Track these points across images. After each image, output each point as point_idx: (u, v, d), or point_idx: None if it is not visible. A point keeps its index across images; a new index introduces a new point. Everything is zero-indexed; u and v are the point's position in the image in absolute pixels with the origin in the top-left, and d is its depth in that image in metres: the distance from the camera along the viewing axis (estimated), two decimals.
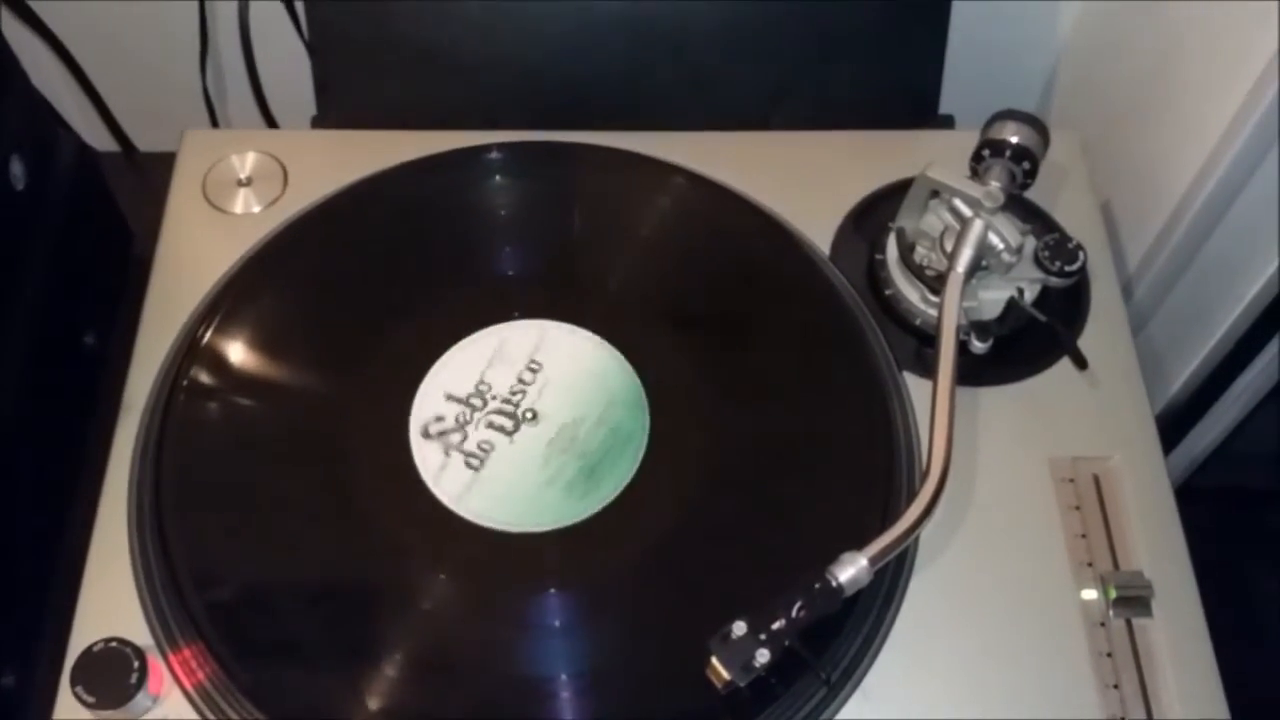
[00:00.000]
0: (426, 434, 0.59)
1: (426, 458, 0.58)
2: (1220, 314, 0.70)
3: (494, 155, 0.68)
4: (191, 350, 0.60)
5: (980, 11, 0.78)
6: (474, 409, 0.60)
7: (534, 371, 0.61)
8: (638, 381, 0.61)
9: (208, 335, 0.61)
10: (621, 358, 0.62)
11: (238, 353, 0.61)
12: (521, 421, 0.60)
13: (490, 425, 0.60)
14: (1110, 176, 0.75)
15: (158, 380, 0.61)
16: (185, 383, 0.59)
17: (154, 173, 0.75)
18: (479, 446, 0.59)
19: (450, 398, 0.60)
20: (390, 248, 0.66)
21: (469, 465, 0.58)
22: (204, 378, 0.60)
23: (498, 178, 0.69)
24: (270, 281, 0.64)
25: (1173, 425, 0.78)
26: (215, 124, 0.89)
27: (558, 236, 0.67)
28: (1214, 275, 0.70)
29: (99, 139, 0.88)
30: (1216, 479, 0.80)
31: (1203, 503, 0.77)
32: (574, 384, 0.61)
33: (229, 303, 0.62)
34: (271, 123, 0.88)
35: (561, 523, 0.57)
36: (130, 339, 0.64)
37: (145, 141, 0.90)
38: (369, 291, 0.64)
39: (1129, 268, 0.74)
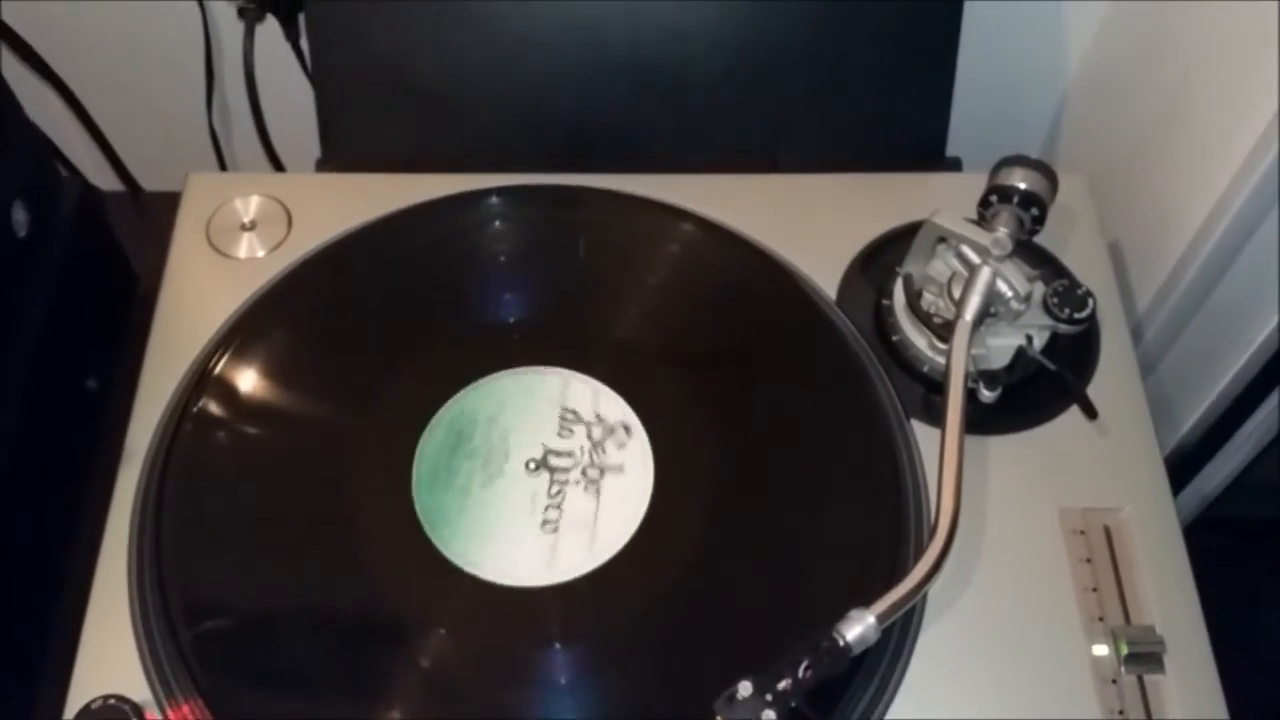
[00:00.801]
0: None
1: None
2: (1230, 357, 0.70)
3: (496, 200, 0.68)
4: (192, 401, 0.60)
5: (985, 51, 0.77)
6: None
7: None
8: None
9: (209, 386, 0.61)
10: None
11: (239, 403, 0.61)
12: (525, 469, 0.59)
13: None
14: (1117, 216, 0.74)
15: (159, 429, 0.61)
16: (186, 434, 0.59)
17: (159, 213, 0.75)
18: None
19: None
20: (393, 294, 0.65)
21: None
22: (205, 429, 0.59)
23: (500, 223, 0.68)
24: (272, 330, 0.64)
25: (1182, 465, 0.77)
26: (222, 163, 0.89)
27: (561, 282, 0.67)
28: (1223, 319, 0.69)
29: (104, 178, 0.88)
30: (1226, 511, 0.80)
31: (1212, 533, 0.78)
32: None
33: (230, 352, 0.62)
34: (277, 163, 0.87)
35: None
36: (133, 382, 0.64)
37: (151, 181, 0.89)
38: (371, 338, 0.64)
39: (1138, 309, 0.73)
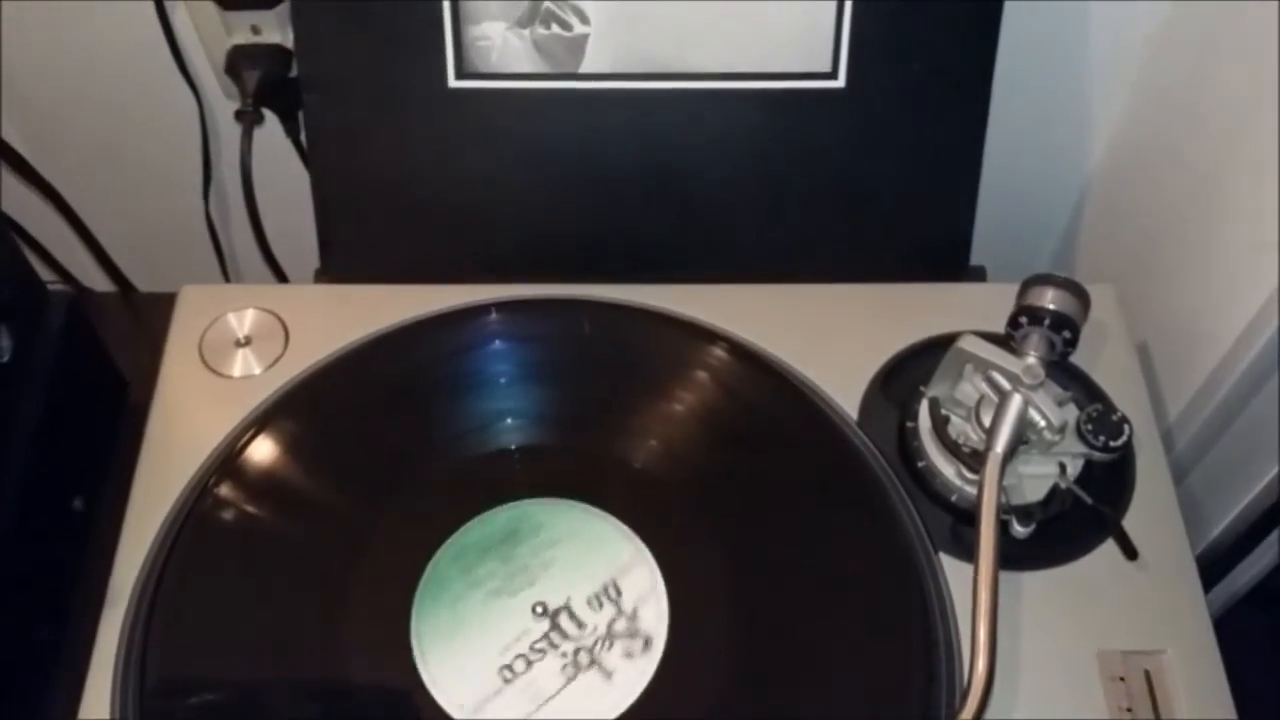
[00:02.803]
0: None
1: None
2: (1264, 465, 0.67)
3: (497, 315, 0.66)
4: (179, 545, 0.57)
5: (1004, 144, 0.75)
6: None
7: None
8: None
9: (195, 528, 0.58)
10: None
11: (226, 548, 0.58)
12: (532, 610, 0.56)
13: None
14: (1144, 314, 0.71)
15: (144, 570, 0.58)
16: (172, 582, 0.56)
17: (153, 314, 0.72)
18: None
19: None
20: (393, 417, 0.63)
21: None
22: (191, 576, 0.56)
23: (502, 341, 0.66)
24: (265, 463, 0.61)
25: (1213, 565, 0.74)
26: (221, 261, 0.87)
27: (569, 404, 0.64)
28: (1258, 428, 0.66)
29: (96, 278, 0.86)
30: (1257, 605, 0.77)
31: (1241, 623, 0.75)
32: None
33: (219, 491, 0.59)
34: (275, 266, 0.85)
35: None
36: (122, 501, 0.61)
37: (147, 281, 0.87)
38: (369, 469, 0.61)
39: (1168, 416, 0.70)
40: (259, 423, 0.62)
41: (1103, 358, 0.66)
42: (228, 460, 0.60)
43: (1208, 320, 0.68)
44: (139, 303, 0.84)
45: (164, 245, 0.89)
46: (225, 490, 0.59)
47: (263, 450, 0.61)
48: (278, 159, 0.82)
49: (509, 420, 0.63)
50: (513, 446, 0.62)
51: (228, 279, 0.88)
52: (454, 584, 0.57)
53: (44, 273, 0.84)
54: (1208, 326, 0.67)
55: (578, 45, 0.63)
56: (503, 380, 0.65)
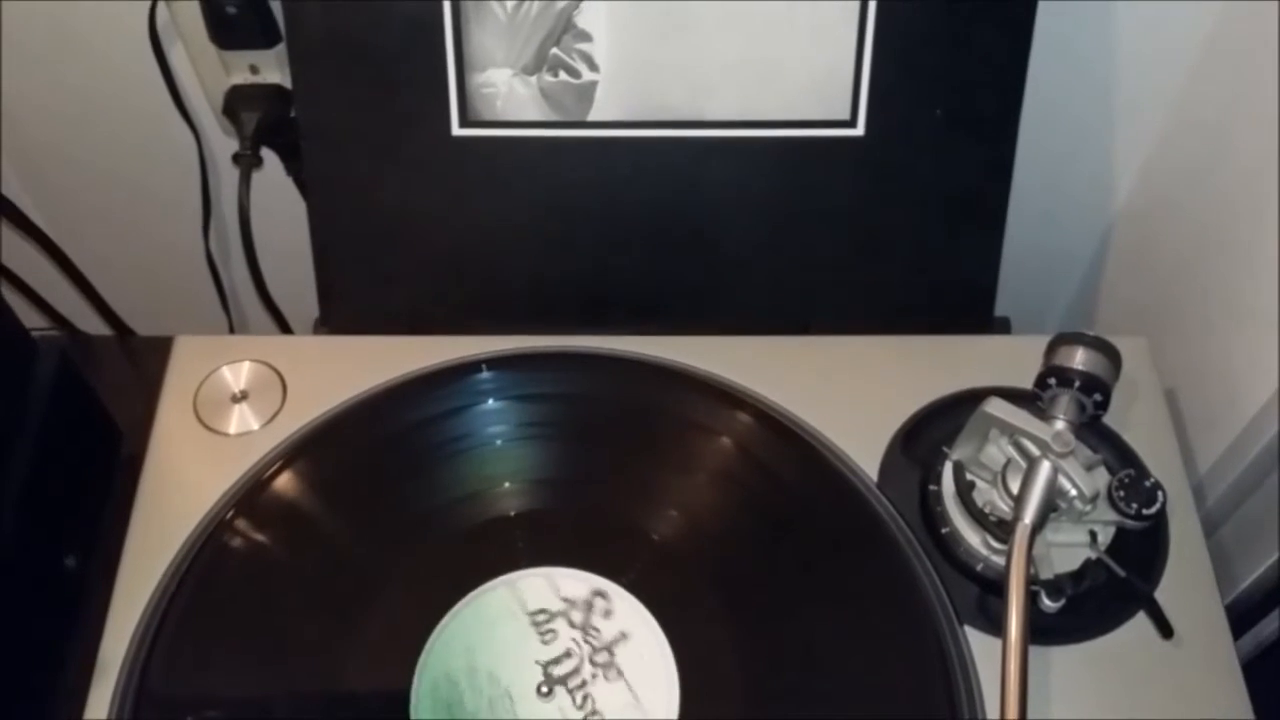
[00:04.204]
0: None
1: None
2: None
3: (505, 371, 0.64)
4: (169, 617, 0.55)
5: (1024, 191, 0.72)
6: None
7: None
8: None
9: (187, 596, 0.55)
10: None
11: (219, 617, 0.56)
12: (538, 696, 0.54)
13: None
14: (1172, 363, 0.69)
15: (135, 640, 0.55)
16: (163, 656, 0.53)
17: (150, 359, 0.70)
18: None
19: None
20: (393, 481, 0.60)
21: None
22: (183, 646, 0.54)
23: (507, 399, 0.63)
24: (259, 530, 0.58)
25: (1241, 616, 0.72)
26: (223, 298, 0.84)
27: (573, 466, 0.61)
28: None
29: (92, 322, 0.84)
30: None
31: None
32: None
33: (213, 554, 0.57)
34: (275, 311, 0.83)
35: None
36: (116, 560, 0.58)
37: (148, 324, 0.85)
38: (368, 537, 0.59)
39: (1199, 469, 0.68)
40: (253, 489, 0.60)
41: (1133, 414, 0.63)
42: (221, 526, 0.58)
43: (1242, 369, 0.65)
44: (136, 347, 0.82)
45: (164, 287, 0.87)
46: (218, 557, 0.57)
47: (256, 516, 0.59)
48: (280, 193, 0.80)
49: (509, 484, 0.60)
50: (513, 513, 0.60)
51: (229, 319, 0.86)
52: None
53: (38, 319, 0.82)
54: (1242, 376, 0.65)
55: (586, 93, 0.61)
56: (506, 441, 0.62)
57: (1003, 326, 0.69)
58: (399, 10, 0.61)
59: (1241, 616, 0.72)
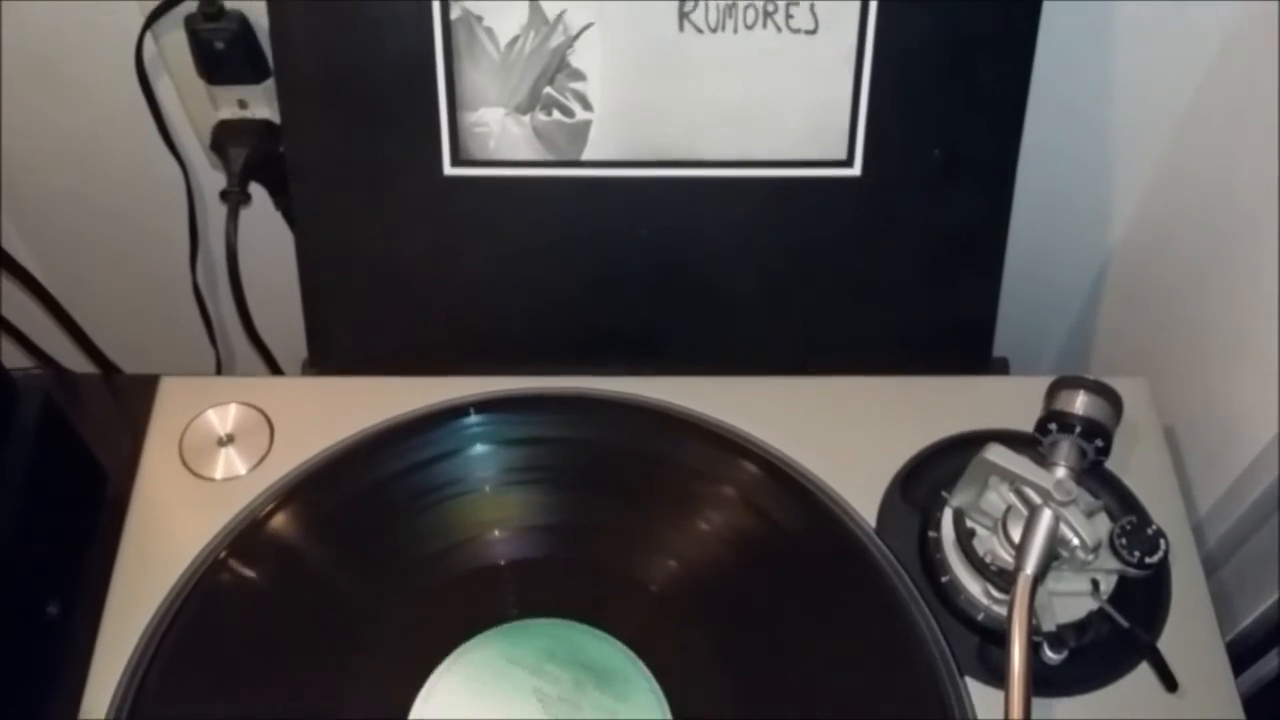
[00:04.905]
0: None
1: None
2: None
3: (482, 416, 0.62)
4: (153, 664, 0.54)
5: (1019, 229, 0.71)
6: None
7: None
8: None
9: (171, 645, 0.54)
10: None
11: (203, 669, 0.55)
12: None
13: None
14: (1171, 402, 0.68)
15: (119, 688, 0.54)
16: (146, 706, 0.52)
17: (137, 397, 0.68)
18: None
19: None
20: (383, 527, 0.59)
21: None
22: (168, 697, 0.53)
23: (492, 443, 0.62)
24: (243, 579, 0.57)
25: (1242, 654, 0.71)
26: (211, 332, 0.83)
27: (568, 512, 0.60)
28: None
29: (78, 360, 0.82)
30: None
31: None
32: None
33: (198, 604, 0.56)
34: (264, 349, 0.81)
35: None
36: (99, 607, 0.57)
37: (135, 361, 0.84)
38: (357, 584, 0.58)
39: (1199, 510, 0.67)
40: (239, 537, 0.58)
41: (1134, 457, 0.63)
42: (207, 575, 0.57)
43: (1242, 408, 0.64)
44: (122, 385, 0.80)
45: (152, 322, 0.86)
46: (203, 607, 0.56)
47: (242, 565, 0.58)
48: (269, 227, 0.79)
49: (501, 530, 0.59)
50: (504, 561, 0.58)
51: (217, 354, 0.85)
52: None
53: (22, 358, 0.80)
54: (1242, 415, 0.64)
55: (580, 132, 0.60)
56: (498, 486, 0.61)
57: (1001, 367, 0.68)
58: (390, 48, 0.60)
59: (1242, 654, 0.71)
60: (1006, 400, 0.63)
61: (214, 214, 0.80)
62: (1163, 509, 0.60)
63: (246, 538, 0.58)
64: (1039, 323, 0.85)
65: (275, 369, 0.85)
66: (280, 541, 0.59)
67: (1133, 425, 0.63)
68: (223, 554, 0.58)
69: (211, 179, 0.78)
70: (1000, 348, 0.69)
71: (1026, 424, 0.59)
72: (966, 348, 0.66)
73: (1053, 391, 0.58)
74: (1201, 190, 0.70)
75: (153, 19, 0.67)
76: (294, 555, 0.59)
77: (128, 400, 0.79)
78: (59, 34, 0.70)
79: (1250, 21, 0.63)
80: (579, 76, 0.59)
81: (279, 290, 0.79)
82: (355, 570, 0.58)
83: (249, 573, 0.58)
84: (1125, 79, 0.70)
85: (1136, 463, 0.62)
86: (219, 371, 0.87)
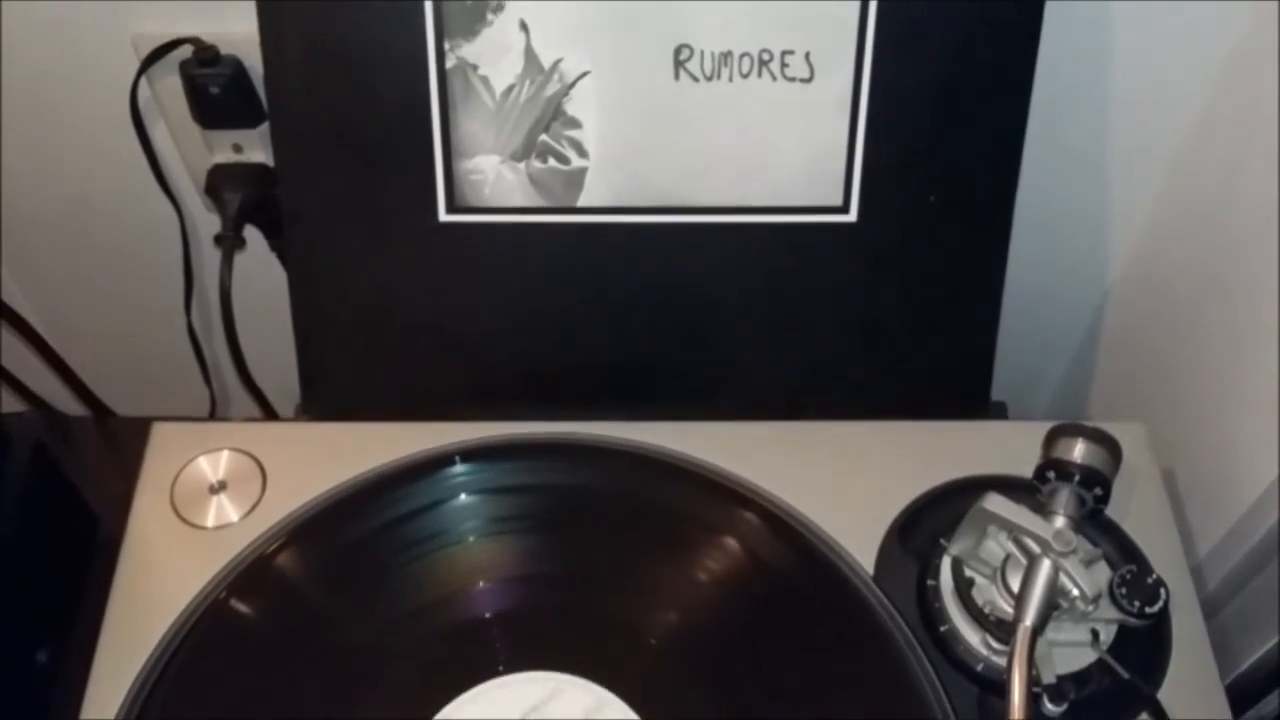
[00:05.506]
0: None
1: None
2: None
3: (475, 465, 0.62)
4: (144, 716, 0.53)
5: (1016, 270, 0.71)
6: None
7: None
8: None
9: (161, 696, 0.54)
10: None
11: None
12: None
13: None
14: (1169, 445, 0.68)
15: None
16: None
17: (130, 440, 0.68)
18: None
19: None
20: (377, 578, 0.59)
21: None
22: None
23: (486, 491, 0.62)
24: (236, 627, 0.57)
25: (1243, 696, 0.70)
26: (205, 373, 0.83)
27: (562, 561, 0.60)
28: None
29: (72, 403, 0.82)
30: None
31: None
32: None
33: (189, 654, 0.55)
34: (258, 393, 0.81)
35: None
36: (89, 654, 0.56)
37: (129, 403, 0.83)
38: (349, 635, 0.57)
39: (1198, 553, 0.67)
40: (230, 587, 0.58)
41: (1133, 502, 0.62)
42: (197, 625, 0.56)
43: (1243, 451, 0.64)
44: (115, 428, 0.80)
45: (146, 362, 0.86)
46: (194, 657, 0.55)
47: (232, 616, 0.57)
48: (265, 268, 0.78)
49: (493, 582, 0.59)
50: (494, 612, 0.58)
51: (212, 395, 0.85)
52: None
53: (15, 401, 0.80)
54: (1243, 457, 0.64)
55: (576, 179, 0.60)
56: (494, 534, 0.61)
57: (999, 411, 0.68)
58: (386, 95, 0.59)
59: (1242, 696, 0.70)
60: (1005, 445, 0.63)
61: (209, 256, 0.80)
62: (1162, 556, 0.60)
63: (237, 587, 0.58)
64: (1036, 365, 0.85)
65: (269, 410, 0.84)
66: (272, 591, 0.58)
67: (1131, 471, 0.63)
68: (213, 604, 0.57)
69: (207, 221, 0.78)
70: (997, 390, 0.69)
71: (1025, 468, 0.59)
72: (964, 392, 0.66)
73: (1051, 439, 0.58)
74: (1198, 230, 0.70)
75: (148, 63, 0.67)
76: (287, 605, 0.58)
77: (121, 442, 0.78)
78: (54, 77, 0.70)
79: (1246, 65, 0.63)
80: (575, 124, 0.59)
81: (275, 329, 0.79)
82: (349, 620, 0.57)
83: (239, 622, 0.57)
84: (1120, 121, 0.70)
85: (1135, 508, 0.62)
86: (213, 412, 0.87)
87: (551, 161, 0.60)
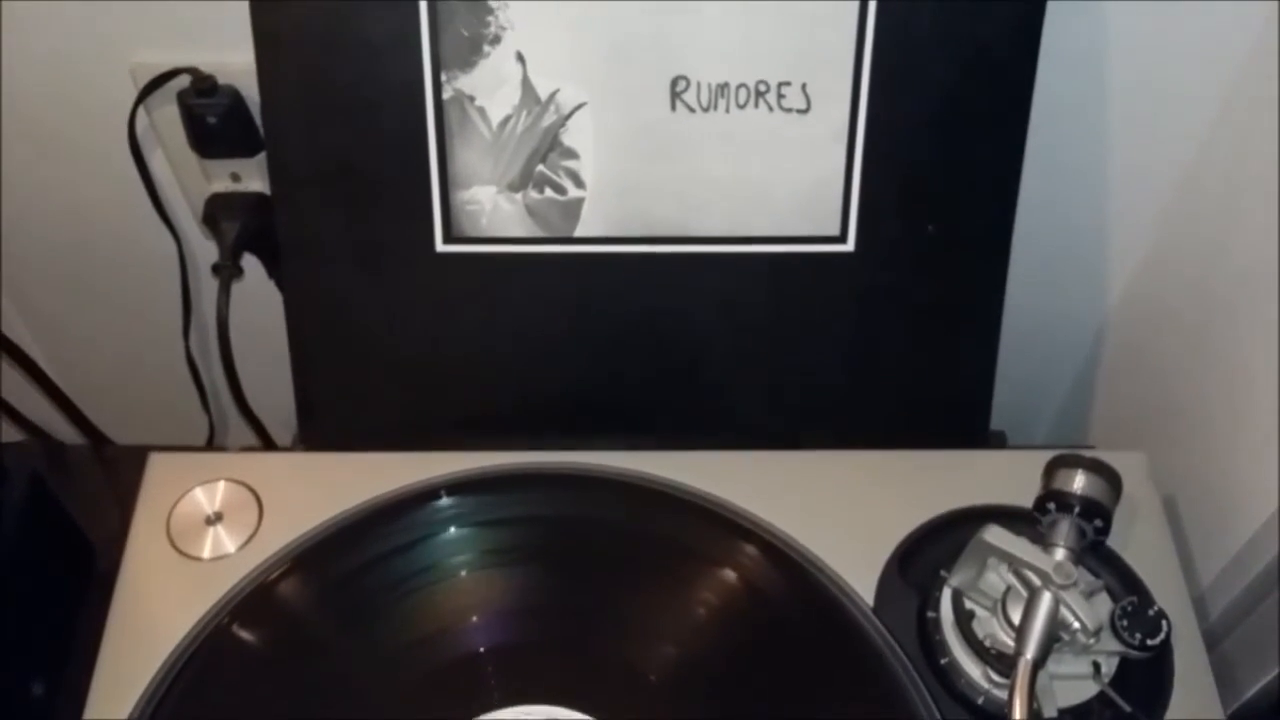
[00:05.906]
0: None
1: None
2: None
3: (472, 497, 0.62)
4: None
5: (1013, 295, 0.71)
6: None
7: None
8: None
9: None
10: None
11: None
12: None
13: None
14: (1170, 472, 0.67)
15: None
16: None
17: (127, 468, 0.68)
18: None
19: None
20: (376, 611, 0.58)
21: None
22: None
23: (482, 524, 0.61)
24: (231, 660, 0.56)
25: None
26: (205, 401, 0.83)
27: (559, 594, 0.59)
28: None
29: (70, 431, 0.82)
30: None
31: None
32: None
33: (184, 687, 0.55)
34: (256, 423, 0.81)
35: None
36: (84, 688, 0.56)
37: (127, 431, 0.83)
38: (349, 667, 0.57)
39: (1200, 583, 0.66)
40: (226, 620, 0.58)
41: (1134, 533, 0.62)
42: (192, 658, 0.56)
43: (1245, 480, 0.63)
44: (112, 456, 0.80)
45: (145, 390, 0.86)
46: (189, 691, 0.55)
47: (227, 649, 0.57)
48: (264, 297, 0.78)
49: (489, 615, 0.58)
50: (485, 647, 0.57)
51: (210, 422, 0.84)
52: None
53: (12, 430, 0.80)
54: (1245, 487, 0.63)
55: (573, 210, 0.60)
56: (491, 565, 0.60)
57: (998, 441, 0.67)
58: (383, 127, 0.60)
59: None
60: (1004, 474, 0.63)
61: (207, 284, 0.80)
62: (1164, 586, 0.60)
63: (234, 620, 0.58)
64: (1035, 393, 0.85)
65: (267, 439, 0.84)
66: (269, 623, 0.58)
67: (1132, 501, 0.62)
68: (209, 636, 0.57)
69: (205, 249, 0.78)
70: (996, 418, 0.68)
71: (1025, 498, 0.59)
72: (963, 421, 0.66)
73: (1051, 470, 0.57)
74: (1198, 260, 0.70)
75: (146, 93, 0.67)
76: (284, 637, 0.58)
77: (117, 471, 0.78)
78: (53, 106, 0.70)
79: (1246, 90, 0.63)
80: (571, 155, 0.59)
81: (274, 357, 0.79)
82: (344, 653, 0.57)
83: (236, 654, 0.57)
84: (1119, 150, 0.70)
85: (1136, 539, 0.62)
86: (211, 440, 0.86)
87: (548, 192, 0.60)
